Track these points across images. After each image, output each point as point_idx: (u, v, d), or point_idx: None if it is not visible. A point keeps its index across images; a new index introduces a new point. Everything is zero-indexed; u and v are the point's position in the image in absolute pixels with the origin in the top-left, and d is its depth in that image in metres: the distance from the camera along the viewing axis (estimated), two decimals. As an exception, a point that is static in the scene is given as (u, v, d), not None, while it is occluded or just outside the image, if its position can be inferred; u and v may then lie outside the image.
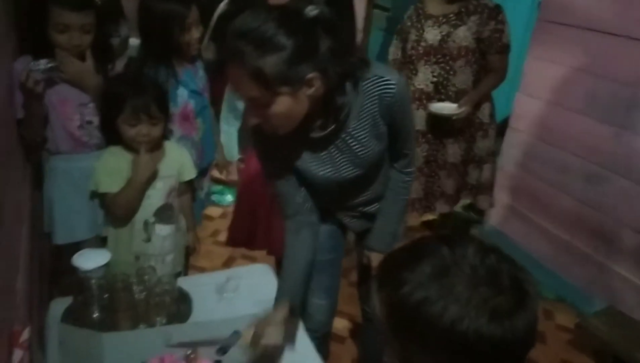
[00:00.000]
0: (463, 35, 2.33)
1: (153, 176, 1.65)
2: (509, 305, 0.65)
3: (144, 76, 1.74)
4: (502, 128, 3.06)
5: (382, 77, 1.20)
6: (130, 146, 1.62)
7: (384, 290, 0.72)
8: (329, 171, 1.31)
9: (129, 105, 1.57)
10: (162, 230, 1.66)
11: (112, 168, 1.63)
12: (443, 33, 2.36)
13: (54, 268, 2.00)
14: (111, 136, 1.65)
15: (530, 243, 2.75)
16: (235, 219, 2.06)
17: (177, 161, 1.75)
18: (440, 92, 2.43)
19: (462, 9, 2.36)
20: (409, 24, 2.52)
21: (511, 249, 2.83)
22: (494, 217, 3.01)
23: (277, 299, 1.29)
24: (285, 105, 1.09)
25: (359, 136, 1.26)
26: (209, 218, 3.02)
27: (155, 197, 1.67)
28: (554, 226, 2.62)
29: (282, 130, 1.16)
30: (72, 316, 1.36)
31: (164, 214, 1.67)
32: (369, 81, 1.20)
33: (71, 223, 1.76)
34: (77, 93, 1.69)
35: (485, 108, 2.51)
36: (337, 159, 1.30)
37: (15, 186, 1.39)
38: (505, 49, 2.37)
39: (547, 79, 2.60)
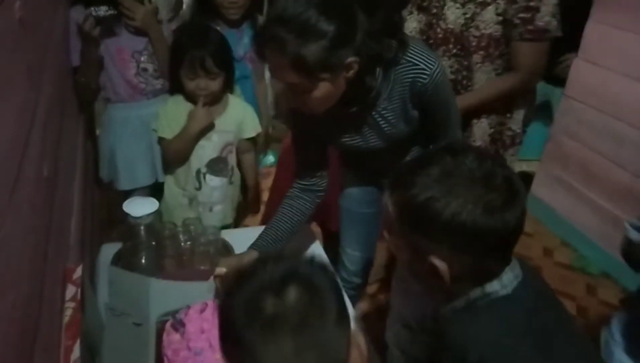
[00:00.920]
0: (489, 17, 1.57)
1: (208, 129, 1.69)
2: (500, 201, 0.78)
3: (207, 29, 1.74)
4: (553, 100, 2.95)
5: (416, 65, 1.15)
6: (191, 97, 1.67)
7: (395, 193, 0.86)
8: (357, 141, 1.31)
9: (187, 58, 1.61)
10: (212, 181, 1.71)
11: (171, 116, 1.70)
12: (467, 15, 1.59)
13: (105, 217, 2.09)
14: (177, 84, 1.69)
15: (576, 216, 2.67)
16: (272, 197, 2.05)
17: (238, 117, 1.77)
18: (459, 93, 1.66)
19: None
20: None
21: (556, 221, 2.77)
22: (540, 188, 2.92)
23: (253, 245, 1.33)
24: (325, 90, 1.07)
25: (388, 117, 1.24)
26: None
27: (209, 148, 1.72)
28: (603, 199, 2.52)
29: (318, 111, 1.15)
30: (121, 261, 1.42)
31: (215, 166, 1.73)
32: (402, 66, 1.16)
33: (133, 170, 1.85)
34: (133, 41, 1.72)
35: (518, 115, 1.76)
36: (366, 132, 1.29)
37: (70, 134, 1.44)
38: (539, 35, 1.54)
39: (608, 45, 2.46)
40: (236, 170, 1.83)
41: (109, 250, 1.47)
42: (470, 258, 0.82)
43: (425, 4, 1.65)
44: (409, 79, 1.17)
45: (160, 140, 1.74)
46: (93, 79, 1.73)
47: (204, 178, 1.73)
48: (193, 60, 1.61)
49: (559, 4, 1.56)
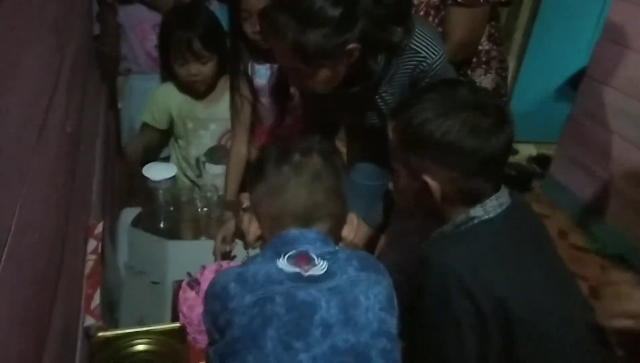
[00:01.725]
0: None
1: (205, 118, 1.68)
2: (487, 125, 0.88)
3: (197, 8, 1.65)
4: (577, 79, 2.91)
5: (419, 53, 1.14)
6: (184, 85, 1.62)
7: (396, 118, 0.97)
8: (358, 120, 1.32)
9: (174, 42, 1.53)
10: (212, 169, 1.70)
11: (158, 104, 1.66)
12: None
13: (125, 186, 2.15)
14: (168, 71, 1.64)
15: (594, 199, 2.65)
16: None
17: None
18: None
19: None
20: None
21: (574, 203, 2.75)
22: (558, 169, 2.90)
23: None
24: (325, 75, 1.08)
25: (387, 100, 1.24)
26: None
27: (207, 137, 1.70)
28: (623, 182, 2.50)
29: (320, 92, 1.16)
30: (141, 224, 1.46)
31: (214, 154, 1.71)
32: (406, 53, 1.15)
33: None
34: (152, 14, 1.75)
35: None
36: (366, 112, 1.30)
37: (92, 102, 1.48)
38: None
39: (633, 25, 2.41)
40: None
41: (129, 214, 1.51)
42: (458, 177, 0.91)
43: None
44: (411, 66, 1.16)
45: (142, 124, 1.71)
46: (113, 47, 1.77)
47: (204, 166, 1.72)
48: (180, 43, 1.52)
49: None
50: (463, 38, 1.44)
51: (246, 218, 1.03)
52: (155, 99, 1.68)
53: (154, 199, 1.46)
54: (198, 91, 1.65)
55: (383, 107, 1.26)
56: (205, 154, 1.72)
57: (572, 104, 2.81)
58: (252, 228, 0.93)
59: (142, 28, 1.77)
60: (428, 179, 0.92)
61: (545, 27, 3.18)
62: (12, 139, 0.59)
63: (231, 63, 1.55)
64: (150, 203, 1.48)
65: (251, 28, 1.40)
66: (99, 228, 1.09)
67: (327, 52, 1.04)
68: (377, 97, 1.25)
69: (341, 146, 1.62)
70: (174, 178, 1.47)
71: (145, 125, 1.70)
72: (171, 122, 1.70)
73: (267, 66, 1.52)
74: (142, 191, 1.49)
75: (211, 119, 1.69)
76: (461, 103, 0.90)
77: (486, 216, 0.93)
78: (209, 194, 1.55)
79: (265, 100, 1.58)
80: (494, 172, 0.93)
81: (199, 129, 1.69)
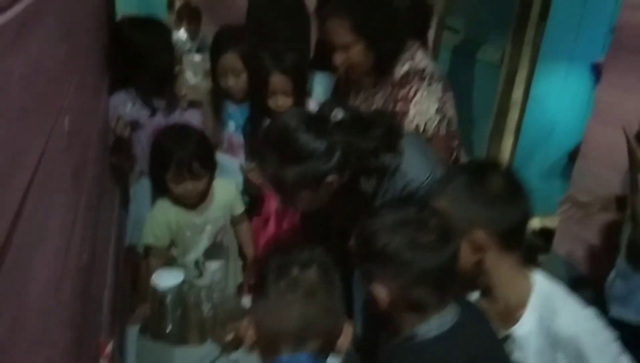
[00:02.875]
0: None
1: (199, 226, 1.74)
2: (428, 241, 0.96)
3: (187, 129, 1.74)
4: (573, 155, 2.99)
5: (406, 175, 1.24)
6: (178, 200, 1.69)
7: (357, 230, 1.07)
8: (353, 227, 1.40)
9: (173, 165, 1.60)
10: (212, 265, 1.75)
11: (158, 223, 1.70)
12: None
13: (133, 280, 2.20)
14: (162, 188, 1.70)
15: (597, 274, 2.66)
16: None
17: (226, 201, 1.80)
18: None
19: None
20: None
21: (577, 280, 2.75)
22: (561, 245, 2.93)
23: None
24: (307, 198, 1.19)
25: None
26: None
27: (204, 239, 1.77)
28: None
29: (308, 210, 1.27)
30: (149, 329, 1.52)
31: (212, 252, 1.77)
32: (393, 174, 1.24)
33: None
34: (166, 119, 1.87)
35: None
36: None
37: (107, 209, 1.57)
38: None
39: (620, 108, 2.52)
40: (231, 247, 1.86)
41: (137, 318, 1.57)
42: (400, 287, 0.98)
43: None
44: (400, 186, 1.25)
45: (145, 247, 1.72)
46: (126, 162, 1.87)
47: (204, 266, 1.77)
48: (180, 165, 1.60)
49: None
50: None
51: (245, 323, 1.09)
52: (154, 220, 1.72)
53: (161, 304, 1.52)
54: (192, 203, 1.73)
55: None
56: (204, 255, 1.79)
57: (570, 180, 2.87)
58: (249, 335, 0.97)
59: (154, 132, 1.87)
60: (375, 288, 1.00)
61: (539, 102, 3.31)
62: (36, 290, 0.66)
63: None
64: (158, 308, 1.53)
65: (275, 103, 1.79)
66: (110, 347, 1.14)
67: (305, 183, 1.14)
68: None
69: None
70: (181, 283, 1.53)
71: (148, 249, 1.73)
72: (171, 237, 1.75)
73: None
74: (149, 295, 1.55)
75: (206, 222, 1.77)
76: (406, 220, 1.01)
77: (428, 335, 0.98)
78: (215, 296, 1.60)
79: None
80: (437, 285, 0.99)
81: (196, 236, 1.76)
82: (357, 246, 1.07)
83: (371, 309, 1.13)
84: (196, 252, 1.78)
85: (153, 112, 1.84)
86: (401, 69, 1.60)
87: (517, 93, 3.30)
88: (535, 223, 3.44)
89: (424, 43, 3.23)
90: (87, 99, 1.25)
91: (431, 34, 3.81)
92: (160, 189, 1.72)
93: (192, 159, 1.61)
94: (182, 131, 1.71)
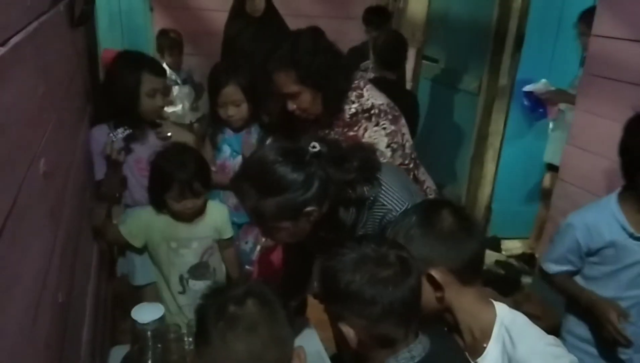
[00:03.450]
0: None
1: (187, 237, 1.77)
2: (388, 276, 0.97)
3: (185, 150, 1.78)
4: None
5: (385, 206, 1.26)
6: (176, 215, 1.75)
7: (319, 272, 1.07)
8: None
9: (175, 185, 1.67)
10: (196, 285, 1.77)
11: (140, 223, 1.77)
12: None
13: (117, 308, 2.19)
14: (161, 204, 1.75)
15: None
16: None
17: (216, 221, 1.84)
18: None
19: None
20: None
21: (560, 303, 2.77)
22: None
23: None
24: (286, 231, 1.20)
25: None
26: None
27: (190, 256, 1.79)
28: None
29: (286, 242, 1.28)
30: (129, 364, 1.50)
31: (197, 271, 1.79)
32: (372, 205, 1.27)
33: (147, 267, 1.90)
34: (149, 149, 1.87)
35: None
36: None
37: (86, 244, 1.57)
38: None
39: (594, 132, 2.59)
40: (221, 268, 1.89)
41: (118, 352, 1.55)
42: (367, 324, 0.99)
43: None
44: (379, 216, 1.28)
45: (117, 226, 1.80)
46: (117, 189, 1.88)
47: (187, 282, 1.79)
48: (182, 186, 1.67)
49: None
50: None
51: None
52: (137, 218, 1.79)
53: (141, 339, 1.50)
54: (187, 218, 1.77)
55: None
56: (189, 272, 1.79)
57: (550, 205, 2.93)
58: None
59: (139, 167, 1.87)
60: (343, 326, 1.00)
61: (518, 130, 3.39)
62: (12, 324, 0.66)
63: None
64: (138, 343, 1.51)
65: (225, 113, 1.99)
66: (87, 386, 1.13)
67: (283, 216, 1.16)
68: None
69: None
70: (162, 317, 1.52)
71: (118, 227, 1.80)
72: (145, 244, 1.79)
73: None
74: (130, 330, 1.54)
75: (193, 238, 1.79)
76: (365, 257, 1.00)
77: None
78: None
79: None
80: (403, 318, 1.00)
81: (182, 248, 1.78)
82: (320, 288, 1.07)
83: (342, 348, 1.14)
84: (181, 267, 1.79)
85: (127, 144, 1.83)
86: (350, 109, 1.68)
87: (496, 120, 3.37)
88: (517, 246, 3.49)
89: (402, 74, 3.32)
90: (65, 137, 1.27)
91: (411, 64, 3.90)
92: (158, 207, 1.77)
93: (193, 178, 1.68)
94: (182, 151, 1.77)
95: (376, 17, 3.41)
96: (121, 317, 2.13)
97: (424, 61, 4.06)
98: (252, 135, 2.12)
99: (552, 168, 3.12)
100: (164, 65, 3.68)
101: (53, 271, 0.97)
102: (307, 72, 1.57)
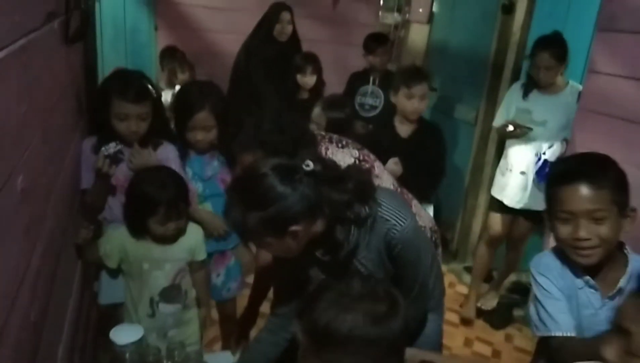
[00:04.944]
0: None
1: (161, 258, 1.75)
2: (385, 311, 0.95)
3: (167, 173, 1.76)
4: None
5: (388, 221, 1.23)
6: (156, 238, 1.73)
7: (301, 321, 1.01)
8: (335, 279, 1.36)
9: (161, 209, 1.65)
10: (166, 308, 1.74)
11: (112, 244, 1.75)
12: None
13: (97, 329, 2.15)
14: (140, 227, 1.72)
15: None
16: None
17: (191, 242, 1.81)
18: None
19: None
20: None
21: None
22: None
23: None
24: (275, 246, 1.18)
25: (367, 265, 1.30)
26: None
27: (162, 278, 1.76)
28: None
29: (284, 257, 1.25)
30: (106, 386, 1.47)
31: (168, 294, 1.76)
32: (376, 220, 1.24)
33: (114, 286, 1.87)
34: (127, 170, 1.86)
35: None
36: (342, 274, 1.30)
37: (68, 260, 1.55)
38: None
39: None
40: (189, 292, 1.83)
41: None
42: None
43: None
44: (382, 233, 1.24)
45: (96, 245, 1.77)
46: (102, 201, 1.87)
47: (157, 306, 1.75)
48: (168, 208, 1.65)
49: None
50: None
51: None
52: (112, 239, 1.76)
53: (120, 361, 1.48)
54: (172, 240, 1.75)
55: (363, 270, 1.30)
56: (160, 294, 1.76)
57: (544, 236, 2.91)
58: None
59: (122, 184, 1.86)
60: None
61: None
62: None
63: None
64: (117, 364, 1.49)
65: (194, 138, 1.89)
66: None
67: (267, 232, 1.14)
68: (357, 262, 1.29)
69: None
70: (141, 339, 1.50)
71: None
72: (120, 263, 1.76)
73: None
74: (109, 351, 1.51)
75: (167, 260, 1.76)
76: (357, 296, 0.97)
77: None
78: (176, 352, 1.56)
79: None
80: (402, 348, 1.00)
81: (154, 270, 1.75)
82: (311, 338, 0.99)
83: None
84: (152, 289, 1.76)
85: (114, 156, 1.82)
86: None
87: (491, 151, 3.37)
88: (510, 278, 3.45)
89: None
90: (50, 152, 1.26)
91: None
92: (139, 232, 1.73)
93: (177, 200, 1.67)
94: (163, 174, 1.74)
95: (376, 44, 3.45)
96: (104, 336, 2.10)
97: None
98: (215, 158, 2.05)
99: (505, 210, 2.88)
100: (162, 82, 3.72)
101: (25, 289, 0.96)
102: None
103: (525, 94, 2.76)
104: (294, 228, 1.14)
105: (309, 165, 1.15)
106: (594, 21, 2.64)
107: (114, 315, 1.88)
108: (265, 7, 3.35)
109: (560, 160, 1.44)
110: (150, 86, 1.87)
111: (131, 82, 1.80)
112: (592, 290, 1.30)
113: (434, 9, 3.97)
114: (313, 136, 1.68)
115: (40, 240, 1.09)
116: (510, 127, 2.76)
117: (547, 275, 1.34)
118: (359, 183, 1.23)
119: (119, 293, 1.87)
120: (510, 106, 2.83)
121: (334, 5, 4.26)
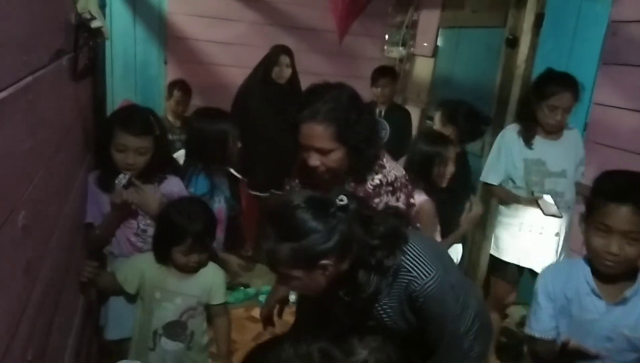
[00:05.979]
0: None
1: (173, 291, 1.74)
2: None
3: (196, 203, 1.78)
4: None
5: (410, 272, 1.20)
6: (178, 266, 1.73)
7: None
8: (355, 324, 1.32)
9: (188, 239, 1.65)
10: (167, 344, 1.71)
11: (134, 267, 1.75)
12: None
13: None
14: (165, 256, 1.73)
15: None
16: None
17: (207, 283, 1.78)
18: None
19: None
20: None
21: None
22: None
23: None
24: (299, 283, 1.17)
25: (389, 312, 1.27)
26: (254, 319, 3.03)
27: (170, 310, 1.73)
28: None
29: (304, 292, 1.25)
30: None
31: (172, 330, 1.73)
32: (398, 270, 1.21)
33: (122, 321, 1.86)
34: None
35: None
36: (363, 320, 1.30)
37: (70, 295, 1.54)
38: None
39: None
40: (197, 335, 1.80)
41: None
42: None
43: None
44: (404, 283, 1.21)
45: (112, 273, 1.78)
46: (112, 234, 1.86)
47: (160, 339, 1.72)
48: (194, 240, 1.66)
49: None
50: None
51: None
52: (133, 262, 1.77)
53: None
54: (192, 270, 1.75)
55: (386, 319, 1.27)
56: (164, 327, 1.73)
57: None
58: None
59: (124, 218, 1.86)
60: None
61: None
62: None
63: None
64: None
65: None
66: None
67: (297, 265, 1.13)
68: (379, 308, 1.27)
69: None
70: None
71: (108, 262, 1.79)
72: (139, 289, 1.76)
73: None
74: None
75: (179, 293, 1.74)
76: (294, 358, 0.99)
77: None
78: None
79: None
80: None
81: (164, 301, 1.73)
82: None
83: None
84: (158, 321, 1.73)
85: (128, 185, 1.80)
86: (373, 179, 1.56)
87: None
88: (520, 312, 3.38)
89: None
90: (54, 189, 1.26)
91: (415, 123, 3.94)
92: (163, 259, 1.74)
93: (204, 233, 1.68)
94: (194, 205, 1.76)
95: (382, 77, 3.48)
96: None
97: (428, 121, 4.10)
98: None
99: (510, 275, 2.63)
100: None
101: (23, 329, 0.94)
102: (349, 132, 1.46)
103: (527, 141, 2.42)
104: (324, 262, 1.13)
105: (343, 200, 1.15)
106: (598, 55, 2.65)
107: (117, 351, 1.86)
108: (272, 42, 3.39)
109: (610, 175, 1.48)
110: (155, 122, 1.86)
111: (135, 116, 1.82)
112: (597, 298, 1.42)
113: (439, 42, 4.02)
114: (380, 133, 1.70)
115: (40, 277, 1.08)
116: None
117: (548, 278, 1.48)
118: (390, 228, 1.21)
119: (126, 329, 1.85)
120: (511, 157, 2.48)
121: (340, 39, 4.33)
